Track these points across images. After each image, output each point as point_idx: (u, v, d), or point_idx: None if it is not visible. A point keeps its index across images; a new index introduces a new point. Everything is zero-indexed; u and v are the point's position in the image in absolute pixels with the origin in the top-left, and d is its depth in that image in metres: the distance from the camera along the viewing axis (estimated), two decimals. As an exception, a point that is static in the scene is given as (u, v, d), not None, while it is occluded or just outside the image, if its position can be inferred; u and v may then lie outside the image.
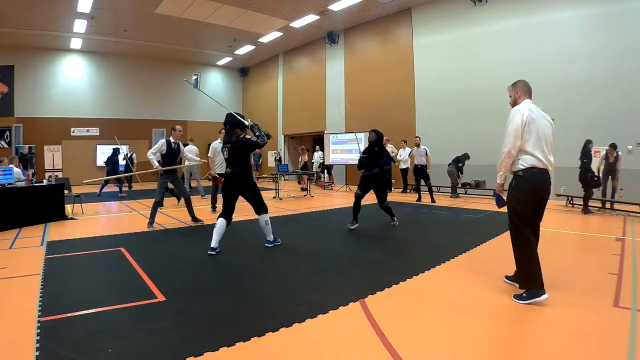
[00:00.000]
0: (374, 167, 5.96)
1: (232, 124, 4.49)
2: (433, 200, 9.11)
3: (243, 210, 8.18)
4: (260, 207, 4.55)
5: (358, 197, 6.03)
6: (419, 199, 9.40)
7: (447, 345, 2.25)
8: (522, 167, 2.87)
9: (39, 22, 12.36)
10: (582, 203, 7.65)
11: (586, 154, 7.49)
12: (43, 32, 13.27)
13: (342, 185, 13.78)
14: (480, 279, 3.40)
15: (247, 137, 4.48)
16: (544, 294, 2.80)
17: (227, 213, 4.47)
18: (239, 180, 4.42)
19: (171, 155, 6.22)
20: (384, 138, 11.60)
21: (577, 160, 8.31)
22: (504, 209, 3.10)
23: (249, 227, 5.94)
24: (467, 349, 2.20)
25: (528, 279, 2.87)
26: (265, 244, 4.62)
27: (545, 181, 2.91)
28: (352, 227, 5.94)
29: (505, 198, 3.11)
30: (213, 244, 4.33)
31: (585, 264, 4.18)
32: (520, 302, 2.84)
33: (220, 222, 4.39)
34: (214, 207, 7.85)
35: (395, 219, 6.32)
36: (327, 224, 6.87)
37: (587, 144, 7.57)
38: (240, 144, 4.43)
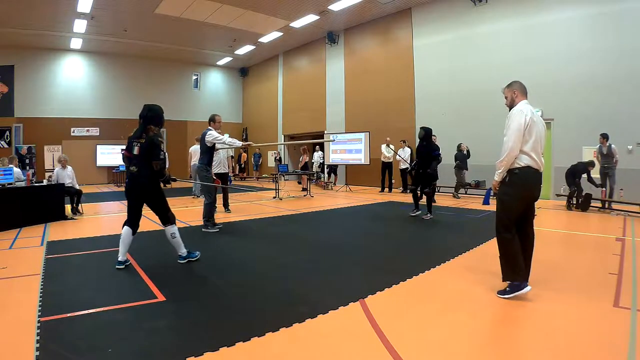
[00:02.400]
0: (427, 161, 6.73)
1: (147, 118, 3.78)
2: (433, 201, 9.04)
3: (240, 210, 8.20)
4: (164, 217, 3.90)
5: (413, 191, 7.10)
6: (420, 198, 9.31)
7: (447, 345, 2.25)
8: (518, 166, 2.95)
9: (39, 22, 12.36)
10: (578, 201, 7.98)
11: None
12: (43, 32, 13.27)
13: (342, 185, 13.78)
14: (480, 279, 3.40)
15: (160, 139, 3.83)
16: (527, 286, 2.90)
17: (131, 220, 3.87)
18: (141, 184, 3.78)
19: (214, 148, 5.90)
20: (386, 138, 11.77)
21: (577, 160, 8.35)
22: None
23: (249, 227, 5.94)
24: (467, 349, 2.20)
25: (510, 272, 2.96)
26: (179, 260, 3.91)
27: (538, 181, 3.03)
28: (413, 214, 6.96)
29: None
30: (120, 257, 3.75)
31: (585, 264, 4.18)
32: (504, 297, 2.93)
33: (125, 232, 3.79)
34: (226, 207, 7.86)
35: (429, 214, 6.87)
36: (326, 224, 6.86)
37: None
38: (147, 143, 3.72)
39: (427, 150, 6.69)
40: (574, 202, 8.04)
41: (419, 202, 7.17)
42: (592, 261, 4.32)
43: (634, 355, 2.09)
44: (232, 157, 7.74)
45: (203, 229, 5.68)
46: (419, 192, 7.03)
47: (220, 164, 7.50)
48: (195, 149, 10.51)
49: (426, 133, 6.70)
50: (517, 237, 3.01)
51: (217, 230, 5.71)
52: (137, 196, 3.85)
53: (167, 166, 4.04)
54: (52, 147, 15.35)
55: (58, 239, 5.15)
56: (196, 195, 10.28)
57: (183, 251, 3.93)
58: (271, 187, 11.09)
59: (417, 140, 7.14)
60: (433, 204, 8.77)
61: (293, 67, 17.42)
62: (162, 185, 3.96)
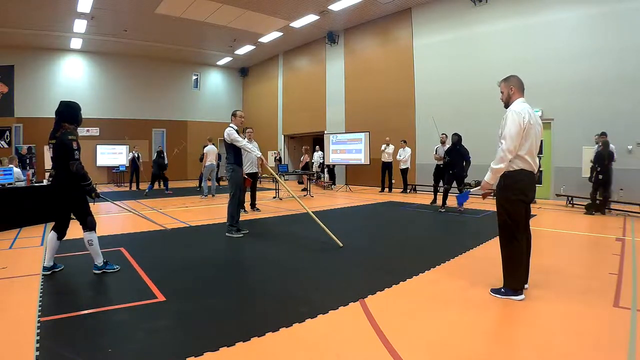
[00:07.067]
0: (458, 163, 7.59)
1: (61, 115, 3.56)
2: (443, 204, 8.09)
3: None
4: (82, 222, 3.58)
5: (446, 191, 7.86)
6: (434, 201, 8.84)
7: (447, 345, 2.25)
8: (512, 169, 2.92)
9: (39, 22, 12.36)
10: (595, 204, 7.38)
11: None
12: (43, 32, 13.27)
13: (342, 185, 13.77)
14: (480, 279, 3.40)
15: (71, 137, 3.48)
16: (521, 295, 2.93)
17: (57, 226, 3.64)
18: (55, 186, 3.58)
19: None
20: (386, 138, 11.79)
21: (577, 160, 8.34)
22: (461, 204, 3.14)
23: (249, 227, 5.93)
24: (467, 349, 2.20)
25: (511, 279, 2.95)
26: (94, 270, 3.59)
27: (533, 182, 3.01)
28: (442, 211, 7.68)
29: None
30: (45, 262, 3.60)
31: (585, 264, 4.18)
32: (497, 296, 2.97)
33: (50, 237, 3.60)
34: (242, 208, 7.51)
35: (444, 206, 7.82)
36: (326, 224, 6.86)
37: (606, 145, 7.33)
38: (58, 143, 3.49)
39: (460, 153, 7.64)
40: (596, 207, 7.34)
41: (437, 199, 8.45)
42: (592, 261, 4.33)
43: (634, 355, 2.09)
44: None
45: (227, 234, 5.34)
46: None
47: (252, 163, 7.31)
48: (210, 149, 10.53)
49: (459, 138, 7.69)
50: (523, 243, 2.97)
51: (242, 235, 5.33)
52: (56, 200, 3.59)
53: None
54: (52, 147, 15.33)
55: (58, 239, 5.13)
56: (207, 195, 10.29)
57: (99, 261, 3.60)
58: (271, 187, 11.09)
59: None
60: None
61: (293, 67, 17.41)
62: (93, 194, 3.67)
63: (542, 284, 3.24)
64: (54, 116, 3.59)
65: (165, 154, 13.65)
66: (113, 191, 12.84)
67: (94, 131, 16.34)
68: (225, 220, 5.52)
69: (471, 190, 3.63)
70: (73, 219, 3.63)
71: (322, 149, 14.82)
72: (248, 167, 7.21)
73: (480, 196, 3.25)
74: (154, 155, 12.08)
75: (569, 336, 2.34)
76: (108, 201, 4.98)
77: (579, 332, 2.39)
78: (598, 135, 7.82)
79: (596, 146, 7.69)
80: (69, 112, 3.61)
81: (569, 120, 8.97)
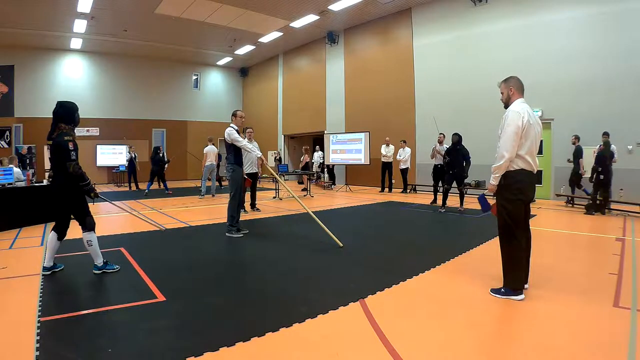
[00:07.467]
0: (458, 163, 7.56)
1: (57, 115, 3.60)
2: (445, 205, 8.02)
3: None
4: (81, 222, 3.57)
5: (446, 191, 7.86)
6: (434, 201, 8.90)
7: (446, 345, 2.25)
8: (512, 169, 2.93)
9: (39, 22, 12.36)
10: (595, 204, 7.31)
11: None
12: (43, 32, 13.27)
13: (342, 185, 13.77)
14: (480, 279, 3.40)
15: (67, 137, 3.50)
16: (521, 294, 2.93)
17: (57, 226, 3.63)
18: (53, 187, 3.59)
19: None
20: (386, 138, 11.79)
21: (575, 160, 8.33)
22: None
23: (249, 227, 5.93)
24: (467, 349, 2.20)
25: (511, 279, 2.96)
26: (93, 270, 3.59)
27: (532, 182, 3.02)
28: (442, 211, 7.67)
29: (489, 202, 3.24)
30: (45, 262, 3.60)
31: (585, 264, 4.18)
32: (497, 296, 2.97)
33: (50, 237, 3.60)
34: (242, 208, 7.37)
35: (462, 205, 7.81)
36: (326, 224, 6.85)
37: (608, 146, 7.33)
38: (54, 145, 3.50)
39: (460, 153, 7.61)
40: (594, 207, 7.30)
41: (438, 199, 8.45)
42: (592, 261, 4.33)
43: (634, 355, 2.09)
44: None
45: (227, 234, 5.34)
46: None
47: (252, 163, 7.34)
48: (210, 150, 10.54)
49: (459, 138, 7.67)
50: (523, 243, 2.98)
51: (242, 235, 5.34)
52: (55, 201, 3.59)
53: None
54: (52, 147, 15.31)
55: (58, 239, 5.13)
56: (204, 195, 10.30)
57: (99, 261, 3.59)
58: (271, 187, 11.10)
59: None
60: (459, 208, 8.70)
61: (293, 67, 17.41)
62: (91, 194, 3.65)
63: (542, 284, 3.24)
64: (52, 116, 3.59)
65: (164, 151, 13.69)
66: (113, 191, 12.84)
67: (94, 131, 16.33)
68: (225, 220, 5.52)
69: (484, 194, 3.61)
70: (73, 219, 3.64)
71: (322, 149, 14.82)
72: (248, 167, 7.22)
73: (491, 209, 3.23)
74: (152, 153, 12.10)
75: (569, 336, 2.34)
76: (107, 201, 4.98)
77: (579, 332, 2.39)
78: (574, 136, 8.24)
79: (573, 147, 8.19)
80: (65, 113, 3.63)
81: (569, 120, 8.97)
